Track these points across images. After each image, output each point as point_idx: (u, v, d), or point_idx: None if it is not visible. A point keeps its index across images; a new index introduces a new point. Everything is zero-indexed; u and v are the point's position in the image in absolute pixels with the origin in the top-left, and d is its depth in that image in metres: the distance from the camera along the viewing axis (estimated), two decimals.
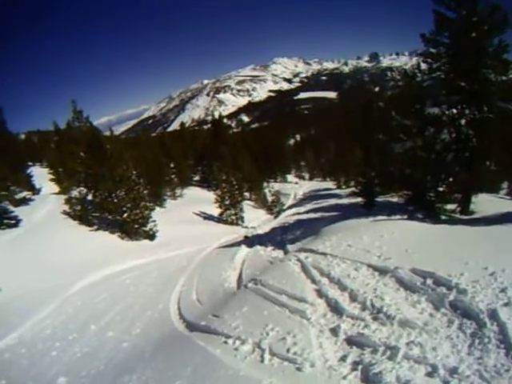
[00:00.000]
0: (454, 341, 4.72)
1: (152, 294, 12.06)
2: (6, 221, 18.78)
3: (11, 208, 20.18)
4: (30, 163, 39.91)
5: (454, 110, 13.49)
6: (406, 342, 4.81)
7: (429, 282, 6.03)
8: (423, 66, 14.54)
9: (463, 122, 13.35)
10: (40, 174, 34.28)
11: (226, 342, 6.11)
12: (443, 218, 13.28)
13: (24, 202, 23.70)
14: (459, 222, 10.98)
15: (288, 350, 5.28)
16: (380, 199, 20.02)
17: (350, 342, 5.24)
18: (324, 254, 8.78)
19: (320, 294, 6.83)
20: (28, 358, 8.51)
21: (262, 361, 5.28)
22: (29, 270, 14.21)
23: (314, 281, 7.45)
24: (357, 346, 5.10)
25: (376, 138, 20.55)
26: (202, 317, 7.91)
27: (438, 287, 5.82)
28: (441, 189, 13.91)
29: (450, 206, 14.15)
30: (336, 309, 6.12)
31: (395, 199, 18.57)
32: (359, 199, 20.36)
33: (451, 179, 13.70)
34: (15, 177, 25.81)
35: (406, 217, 12.77)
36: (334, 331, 5.54)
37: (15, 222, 19.09)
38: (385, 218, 12.57)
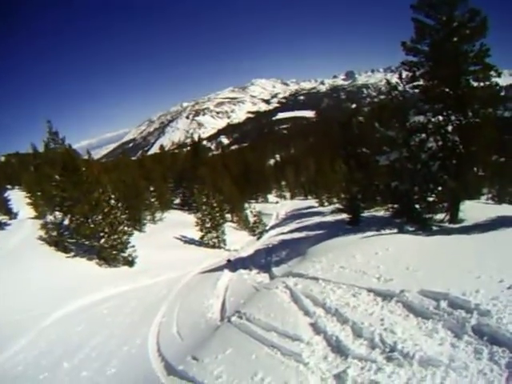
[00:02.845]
0: (488, 376, 3.82)
1: (130, 325, 11.32)
2: None
3: None
4: (9, 186, 39.11)
5: (440, 117, 13.22)
6: None
7: (443, 304, 5.15)
8: (405, 75, 14.25)
9: (450, 128, 13.08)
10: (18, 198, 33.17)
11: None
12: (434, 228, 12.83)
13: (0, 226, 22.75)
14: (453, 232, 10.58)
15: None
16: (365, 214, 19.58)
17: None
18: (315, 278, 7.90)
19: (317, 329, 5.82)
20: None
21: None
22: (2, 299, 13.36)
23: (307, 313, 6.46)
24: None
25: (358, 152, 20.17)
26: (181, 357, 7.06)
27: (456, 310, 4.95)
28: (429, 199, 13.47)
29: (438, 216, 13.79)
30: (338, 348, 5.08)
31: (381, 213, 18.21)
32: (344, 216, 19.91)
33: (439, 188, 13.28)
34: None
35: (396, 231, 12.34)
36: (340, 379, 4.50)
37: None
38: (374, 233, 12.11)
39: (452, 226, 12.82)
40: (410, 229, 12.73)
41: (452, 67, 12.99)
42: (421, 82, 14.16)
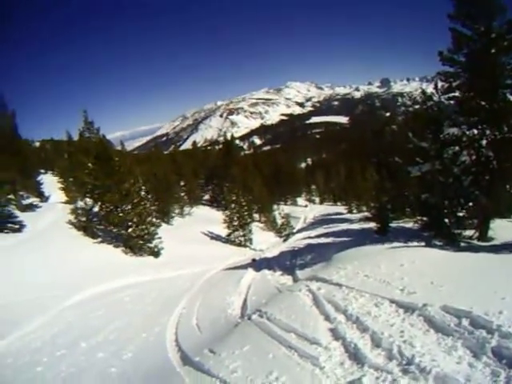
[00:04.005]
0: None
1: (150, 314, 11.50)
2: (9, 225, 18.68)
3: (17, 213, 20.10)
4: (42, 171, 40.10)
5: (475, 131, 12.93)
6: None
7: (464, 322, 5.03)
8: (440, 85, 14.00)
9: (484, 142, 12.79)
10: (50, 182, 34.10)
11: None
12: (462, 244, 12.48)
13: (31, 208, 23.70)
14: (482, 250, 10.21)
15: None
16: (393, 225, 19.29)
17: None
18: (339, 284, 7.88)
19: (336, 335, 5.80)
20: (12, 369, 8.00)
21: None
22: (26, 277, 13.81)
23: (328, 318, 6.44)
24: None
25: (390, 161, 19.98)
26: (198, 349, 7.17)
27: (477, 330, 4.81)
28: (460, 214, 13.18)
29: (467, 232, 13.40)
30: (356, 356, 5.03)
31: (409, 225, 17.90)
32: (372, 224, 19.70)
33: (470, 204, 12.99)
34: (24, 182, 25.82)
35: (423, 244, 12.08)
36: None
37: (19, 227, 18.97)
38: (401, 244, 11.87)
39: (480, 243, 12.47)
40: (438, 243, 12.43)
41: (489, 80, 12.68)
42: (457, 94, 13.88)
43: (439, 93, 13.99)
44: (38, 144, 59.44)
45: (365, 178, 35.29)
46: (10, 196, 20.61)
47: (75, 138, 26.22)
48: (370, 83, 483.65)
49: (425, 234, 14.10)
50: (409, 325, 5.45)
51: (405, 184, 16.43)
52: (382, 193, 19.16)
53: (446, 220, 13.31)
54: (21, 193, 23.89)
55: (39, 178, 31.12)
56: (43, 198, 30.12)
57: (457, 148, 13.00)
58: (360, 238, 16.35)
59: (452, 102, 14.05)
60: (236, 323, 8.56)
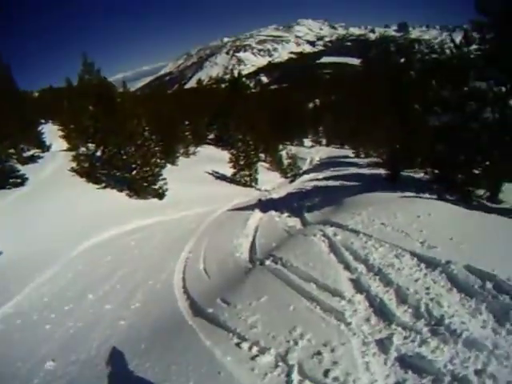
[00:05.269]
0: None
1: (157, 259, 11.55)
2: (12, 180, 18.43)
3: (18, 167, 19.91)
4: (43, 121, 39.86)
5: (503, 88, 12.27)
6: (474, 370, 3.74)
7: (488, 285, 4.91)
8: (470, 35, 13.25)
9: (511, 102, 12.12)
10: (51, 131, 34.80)
11: (239, 346, 4.94)
12: (474, 203, 12.19)
13: (32, 159, 23.64)
14: (493, 211, 9.73)
15: (326, 374, 4.08)
16: (403, 173, 18.99)
17: (405, 364, 4.08)
18: (355, 231, 7.72)
19: (359, 287, 5.68)
20: (21, 331, 7.97)
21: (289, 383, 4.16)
22: (32, 231, 13.70)
23: (348, 267, 6.32)
24: (413, 372, 3.96)
25: (405, 107, 19.44)
26: (209, 298, 7.01)
27: (500, 295, 4.70)
28: (476, 171, 12.82)
29: (477, 191, 13.08)
30: (382, 312, 4.95)
31: (418, 175, 17.67)
32: (381, 171, 19.47)
33: (488, 163, 12.58)
34: (24, 134, 25.84)
35: (435, 196, 11.68)
36: (383, 346, 4.36)
37: (21, 181, 18.74)
38: (413, 194, 11.61)
39: (490, 204, 12.22)
40: (450, 197, 12.18)
41: None
42: (487, 47, 13.13)
43: (468, 43, 13.30)
44: (37, 94, 58.90)
45: (375, 122, 34.69)
46: (10, 150, 20.63)
47: (75, 84, 25.59)
48: (386, 26, 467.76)
49: (435, 187, 13.77)
50: (432, 281, 5.35)
51: (419, 133, 16.04)
52: (395, 139, 18.82)
53: (460, 176, 13.03)
54: (21, 146, 23.96)
55: (40, 128, 31.22)
56: (44, 148, 30.26)
57: (481, 103, 12.42)
58: (370, 184, 16.24)
59: (479, 53, 13.28)
60: (246, 268, 8.47)
